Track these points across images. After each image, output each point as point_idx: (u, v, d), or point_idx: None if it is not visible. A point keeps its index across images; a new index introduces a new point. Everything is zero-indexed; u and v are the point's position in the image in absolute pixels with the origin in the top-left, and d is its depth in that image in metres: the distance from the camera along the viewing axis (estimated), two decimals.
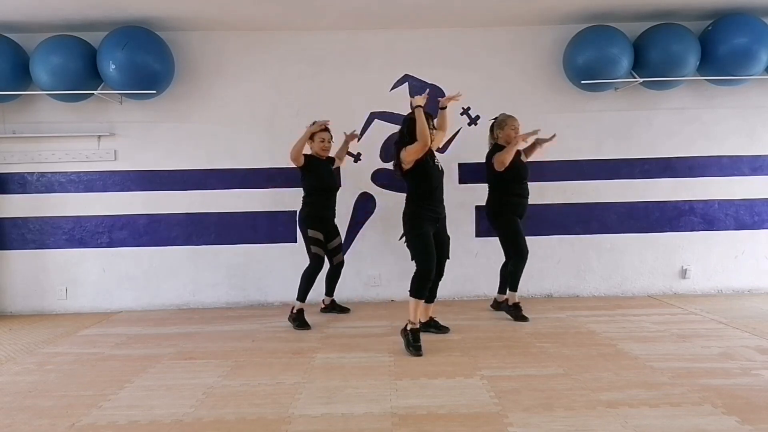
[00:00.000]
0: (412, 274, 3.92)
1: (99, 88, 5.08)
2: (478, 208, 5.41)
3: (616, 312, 4.93)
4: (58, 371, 3.69)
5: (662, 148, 5.52)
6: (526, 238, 4.69)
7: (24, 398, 3.22)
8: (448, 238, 4.10)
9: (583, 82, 5.14)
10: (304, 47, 5.42)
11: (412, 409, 2.92)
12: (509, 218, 4.62)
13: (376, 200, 5.52)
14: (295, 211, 5.33)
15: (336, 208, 4.88)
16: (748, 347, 3.85)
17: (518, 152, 4.65)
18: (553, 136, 4.78)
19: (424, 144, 3.77)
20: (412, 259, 3.94)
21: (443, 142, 4.71)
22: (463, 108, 5.36)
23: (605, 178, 5.54)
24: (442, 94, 5.37)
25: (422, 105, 3.82)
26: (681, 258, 5.60)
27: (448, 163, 5.05)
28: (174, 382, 3.43)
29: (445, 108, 4.11)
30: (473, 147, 5.07)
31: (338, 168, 5.03)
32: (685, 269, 5.59)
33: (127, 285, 5.47)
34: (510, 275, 4.70)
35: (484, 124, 5.02)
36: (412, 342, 3.82)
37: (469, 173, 5.41)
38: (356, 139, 5.09)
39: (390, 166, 5.43)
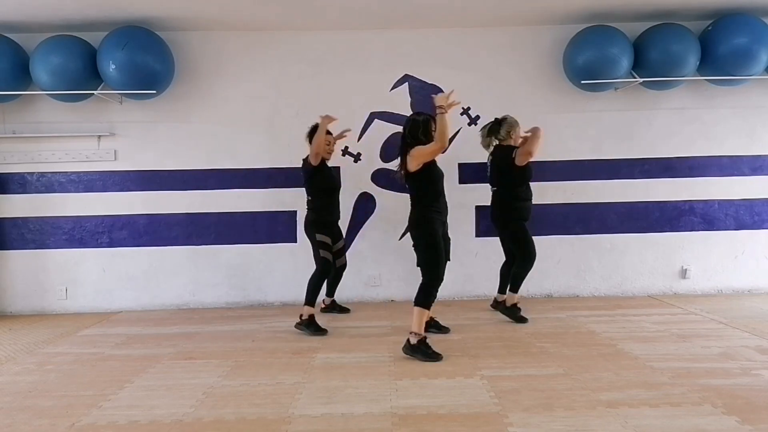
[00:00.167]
0: (420, 283, 3.80)
1: (99, 88, 5.08)
2: (478, 208, 5.42)
3: (616, 312, 4.93)
4: (58, 371, 3.69)
5: (662, 148, 5.53)
6: None
7: (24, 398, 3.22)
8: (449, 239, 4.08)
9: (583, 82, 5.14)
10: (304, 47, 5.42)
11: (412, 409, 2.92)
12: (521, 225, 4.61)
13: (376, 200, 5.52)
14: (295, 211, 5.35)
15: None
16: (748, 347, 3.85)
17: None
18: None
19: (442, 146, 3.67)
20: (418, 265, 3.83)
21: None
22: (463, 108, 5.36)
23: (605, 178, 5.54)
24: None
25: (445, 107, 3.66)
26: (681, 258, 5.60)
27: (449, 163, 5.05)
28: (174, 382, 3.43)
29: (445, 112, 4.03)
30: (473, 147, 5.07)
31: (338, 168, 5.03)
32: (685, 269, 5.59)
33: (127, 285, 5.47)
34: (514, 276, 4.69)
35: (484, 124, 5.01)
36: (428, 353, 3.70)
37: (469, 173, 5.41)
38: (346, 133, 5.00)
39: (390, 166, 5.47)
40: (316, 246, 4.58)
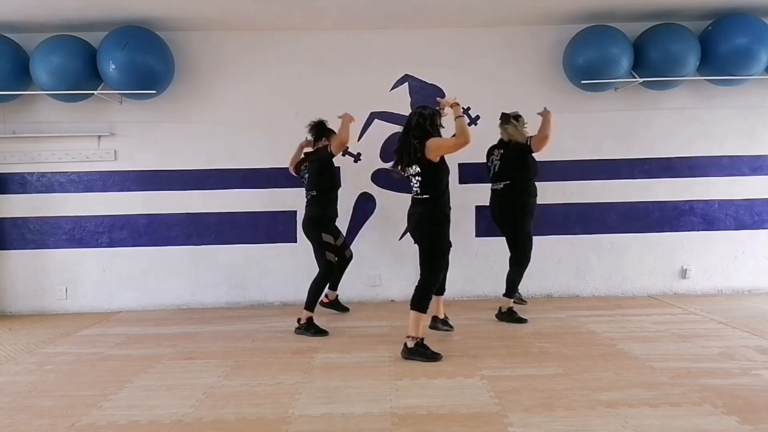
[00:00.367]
0: (416, 286, 3.77)
1: (99, 88, 5.08)
2: (478, 208, 5.41)
3: (616, 312, 4.93)
4: (58, 371, 3.69)
5: (662, 148, 5.52)
6: None
7: (24, 398, 3.22)
8: (451, 244, 4.02)
9: (583, 82, 5.14)
10: (304, 47, 5.42)
11: (412, 409, 2.92)
12: (528, 222, 4.60)
13: (376, 200, 5.52)
14: (295, 211, 5.34)
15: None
16: (748, 347, 3.85)
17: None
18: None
19: (465, 141, 3.62)
20: (421, 264, 3.78)
21: None
22: (463, 108, 5.34)
23: (605, 178, 5.54)
24: (442, 94, 5.38)
25: (448, 105, 3.73)
26: (681, 258, 5.60)
27: (449, 163, 5.03)
28: (174, 382, 3.43)
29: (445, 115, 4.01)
30: (473, 147, 5.03)
31: (338, 168, 5.00)
32: (685, 269, 5.59)
33: (127, 285, 5.47)
34: (509, 281, 4.68)
35: (484, 124, 5.02)
36: (428, 354, 3.69)
37: (469, 173, 5.40)
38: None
39: (390, 166, 5.44)
40: (322, 247, 4.50)
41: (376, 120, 5.45)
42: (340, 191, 4.80)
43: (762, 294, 5.52)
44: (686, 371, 3.39)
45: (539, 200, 4.75)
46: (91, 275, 5.46)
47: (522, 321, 4.60)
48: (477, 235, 5.51)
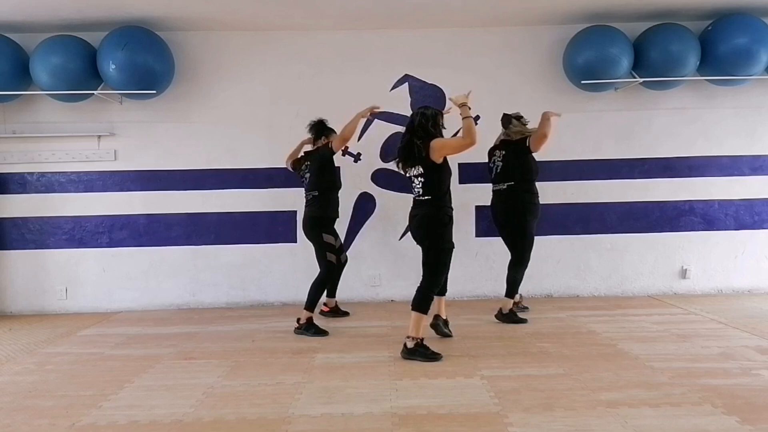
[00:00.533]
0: (418, 287, 3.77)
1: (99, 88, 5.08)
2: (478, 208, 5.42)
3: (616, 312, 4.93)
4: (58, 371, 3.69)
5: (662, 148, 5.53)
6: None
7: (24, 398, 3.22)
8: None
9: (583, 82, 5.14)
10: (304, 47, 5.42)
11: (412, 409, 2.92)
12: (531, 223, 4.60)
13: (376, 200, 5.52)
14: (295, 212, 5.34)
15: None
16: (748, 347, 3.85)
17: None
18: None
19: (471, 142, 3.63)
20: (424, 265, 3.77)
21: None
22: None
23: (605, 178, 5.54)
24: (442, 94, 5.40)
25: (464, 102, 3.71)
26: (681, 258, 5.60)
27: (449, 163, 5.04)
28: (174, 382, 3.43)
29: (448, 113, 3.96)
30: (473, 147, 5.06)
31: (338, 168, 4.99)
32: (685, 269, 5.59)
33: (127, 285, 5.47)
34: (509, 282, 4.67)
35: (484, 125, 5.01)
36: (428, 354, 3.69)
37: (469, 173, 5.40)
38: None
39: (390, 166, 5.47)
40: (323, 248, 4.48)
41: (376, 120, 5.45)
42: (340, 191, 4.79)
43: (762, 294, 5.52)
44: (686, 371, 3.39)
45: (539, 200, 4.75)
46: (91, 275, 5.46)
47: (522, 321, 4.60)
48: (477, 235, 5.51)
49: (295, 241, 5.40)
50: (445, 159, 3.77)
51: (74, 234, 5.44)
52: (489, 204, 4.83)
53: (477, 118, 5.41)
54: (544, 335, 4.24)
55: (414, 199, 3.86)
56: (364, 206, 5.53)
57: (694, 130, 5.53)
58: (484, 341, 4.11)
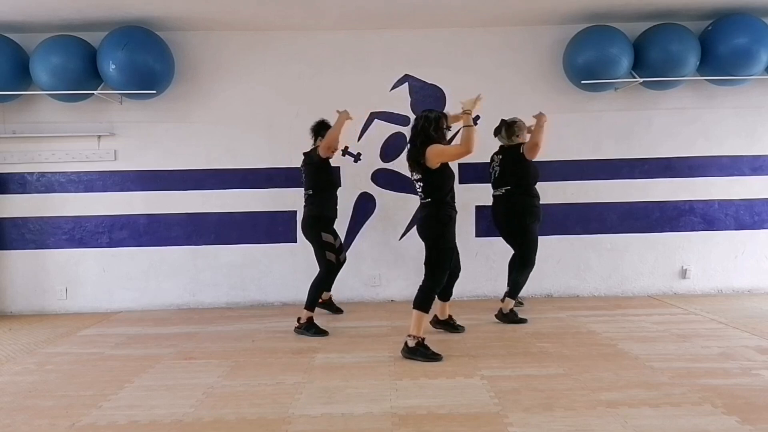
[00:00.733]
0: (420, 286, 3.79)
1: (99, 88, 5.08)
2: (478, 208, 5.42)
3: (616, 312, 4.93)
4: (58, 371, 3.69)
5: (662, 148, 5.52)
6: None
7: (24, 398, 3.22)
8: (456, 249, 4.05)
9: (583, 82, 5.14)
10: (304, 47, 5.42)
11: (412, 409, 2.92)
12: (534, 226, 4.60)
13: (376, 200, 5.52)
14: (295, 211, 5.34)
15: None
16: (748, 347, 3.85)
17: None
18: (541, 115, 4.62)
19: (467, 151, 3.63)
20: (425, 264, 3.79)
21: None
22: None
23: (605, 178, 5.54)
24: (442, 94, 5.40)
25: (472, 110, 3.67)
26: (681, 258, 5.60)
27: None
28: (174, 382, 3.43)
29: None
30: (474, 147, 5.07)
31: (338, 168, 5.00)
32: (685, 269, 5.59)
33: (127, 285, 5.47)
34: (514, 283, 4.68)
35: (484, 125, 5.00)
36: (428, 354, 3.69)
37: (469, 173, 5.40)
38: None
39: (390, 166, 5.47)
40: (322, 247, 4.48)
41: (376, 120, 5.45)
42: (340, 191, 4.79)
43: (762, 294, 5.52)
44: (686, 371, 3.39)
45: (540, 200, 4.75)
46: (91, 275, 5.46)
47: (522, 321, 4.60)
48: (477, 235, 5.51)
49: (295, 241, 5.39)
50: (444, 164, 3.77)
51: (74, 234, 5.44)
52: (489, 204, 4.84)
53: (477, 118, 5.40)
54: (544, 335, 4.24)
55: (419, 201, 3.90)
56: (364, 206, 5.53)
57: (694, 130, 5.53)
58: (484, 341, 4.12)
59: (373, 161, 5.49)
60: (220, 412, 2.95)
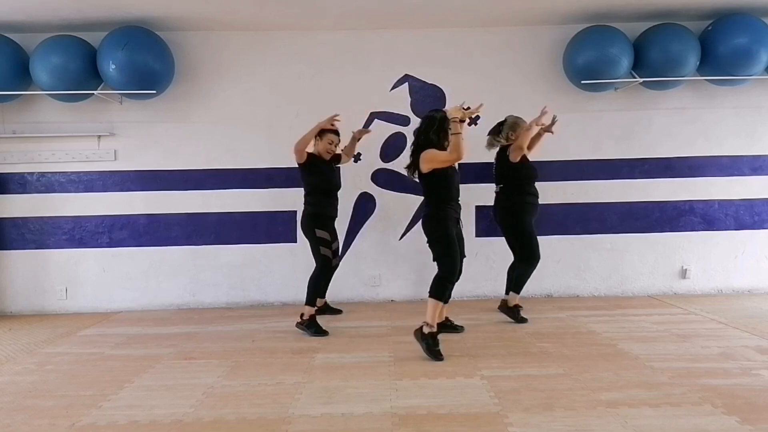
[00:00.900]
0: (434, 276, 3.85)
1: (99, 88, 5.08)
2: (478, 208, 5.41)
3: (616, 312, 4.93)
4: (58, 371, 3.69)
5: (662, 148, 5.52)
6: None
7: (24, 398, 3.22)
8: (463, 237, 4.08)
9: (583, 82, 5.14)
10: (304, 47, 5.42)
11: (412, 409, 2.92)
12: (527, 221, 4.61)
13: (376, 200, 5.52)
14: (295, 211, 5.33)
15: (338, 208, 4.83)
16: (748, 347, 3.85)
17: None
18: (554, 118, 4.72)
19: (456, 158, 3.69)
20: (434, 260, 3.87)
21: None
22: (471, 118, 5.34)
23: (605, 178, 5.54)
24: (442, 94, 5.40)
25: (460, 117, 3.66)
26: (681, 258, 5.60)
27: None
28: (174, 382, 3.43)
29: (464, 121, 3.99)
30: (473, 147, 5.05)
31: (339, 168, 5.00)
32: (685, 269, 5.59)
33: (127, 285, 5.47)
34: (517, 278, 4.69)
35: (484, 125, 5.01)
36: (433, 347, 3.72)
37: (469, 173, 5.37)
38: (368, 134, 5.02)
39: (390, 166, 5.47)
40: (316, 243, 4.53)
41: (376, 120, 5.45)
42: (340, 191, 4.79)
43: (762, 294, 5.52)
44: (686, 371, 3.39)
45: (539, 200, 4.75)
46: (91, 275, 5.46)
47: (523, 321, 4.60)
48: (477, 235, 5.51)
49: (295, 241, 5.39)
50: (438, 169, 3.79)
51: (74, 234, 5.44)
52: (489, 204, 4.88)
53: (477, 118, 5.40)
54: (544, 335, 4.24)
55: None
56: (364, 206, 5.53)
57: (694, 130, 5.53)
58: (484, 341, 4.12)
59: (373, 161, 5.49)
60: (220, 412, 2.95)
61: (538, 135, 4.80)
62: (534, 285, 5.41)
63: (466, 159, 5.35)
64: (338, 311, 5.06)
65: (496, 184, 4.74)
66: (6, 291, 5.44)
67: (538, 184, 4.71)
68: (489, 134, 4.80)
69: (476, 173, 5.21)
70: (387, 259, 5.52)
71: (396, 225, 5.48)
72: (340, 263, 4.95)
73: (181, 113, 5.41)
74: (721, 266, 5.60)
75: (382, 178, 5.50)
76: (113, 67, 4.84)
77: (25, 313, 5.43)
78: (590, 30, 5.14)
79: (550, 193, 5.37)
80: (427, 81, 5.45)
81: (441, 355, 3.71)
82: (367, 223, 5.53)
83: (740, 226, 5.58)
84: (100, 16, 4.89)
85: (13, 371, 3.73)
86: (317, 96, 5.32)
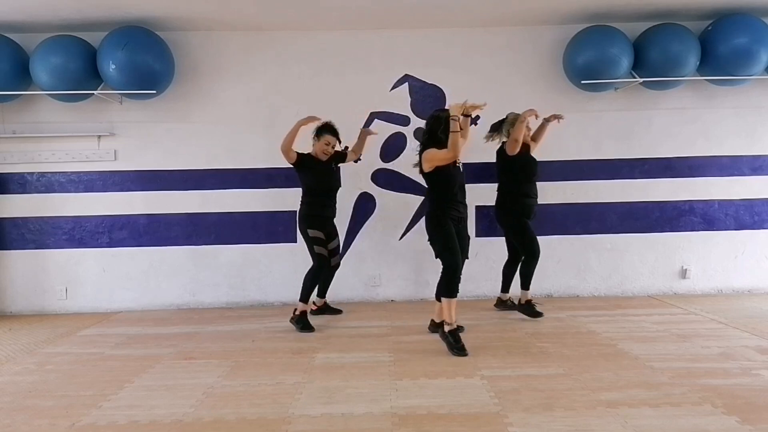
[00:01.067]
0: (439, 275, 3.91)
1: (99, 88, 5.08)
2: (478, 208, 5.40)
3: (616, 312, 4.93)
4: (58, 371, 3.69)
5: (662, 148, 5.52)
6: None
7: (24, 398, 3.22)
8: (469, 238, 4.11)
9: (583, 82, 5.14)
10: (304, 47, 5.42)
11: (412, 409, 2.92)
12: (522, 220, 4.63)
13: (376, 200, 5.52)
14: (295, 211, 5.32)
15: (336, 207, 4.81)
16: (748, 347, 3.85)
17: (527, 146, 4.66)
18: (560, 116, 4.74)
19: (454, 156, 3.75)
20: (436, 257, 3.93)
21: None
22: (472, 117, 5.33)
23: (605, 178, 5.54)
24: (442, 94, 5.40)
25: (459, 115, 3.70)
26: (681, 258, 5.60)
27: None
28: (174, 382, 3.43)
29: (469, 115, 3.96)
30: (474, 147, 5.05)
31: (339, 168, 4.99)
32: (685, 269, 5.59)
33: (127, 285, 5.47)
34: (523, 275, 4.73)
35: (484, 125, 5.01)
36: (454, 343, 3.78)
37: (469, 173, 5.31)
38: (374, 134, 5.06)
39: (390, 166, 5.48)
40: (310, 242, 4.58)
41: (376, 120, 5.45)
42: (340, 191, 4.79)
43: (762, 294, 5.52)
44: (686, 371, 3.39)
45: (540, 200, 4.76)
46: (91, 275, 5.46)
47: (539, 315, 4.66)
48: (477, 235, 5.49)
49: (295, 241, 5.38)
50: (444, 168, 3.82)
51: (74, 234, 5.44)
52: (489, 204, 4.91)
53: (477, 118, 5.41)
54: (544, 335, 4.24)
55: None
56: (364, 206, 5.53)
57: (694, 130, 5.53)
58: (484, 341, 4.11)
59: (373, 161, 5.49)
60: (220, 412, 2.95)
61: (542, 126, 4.81)
62: (534, 285, 5.38)
63: (467, 159, 5.39)
64: (338, 311, 5.06)
65: (497, 182, 4.76)
66: (6, 291, 5.44)
67: (538, 184, 4.72)
68: (490, 131, 4.80)
69: (476, 173, 5.20)
70: (387, 259, 5.52)
71: (396, 225, 5.48)
72: (341, 263, 4.96)
73: (181, 113, 5.41)
74: (721, 266, 5.60)
75: (382, 178, 5.50)
76: (113, 67, 4.84)
77: (25, 313, 5.43)
78: (590, 30, 5.14)
79: (550, 193, 5.37)
80: (427, 81, 5.45)
81: (465, 350, 3.75)
82: (367, 223, 5.53)
83: (740, 226, 5.58)
84: (100, 16, 4.89)
85: (13, 371, 3.73)
86: (317, 96, 5.31)
